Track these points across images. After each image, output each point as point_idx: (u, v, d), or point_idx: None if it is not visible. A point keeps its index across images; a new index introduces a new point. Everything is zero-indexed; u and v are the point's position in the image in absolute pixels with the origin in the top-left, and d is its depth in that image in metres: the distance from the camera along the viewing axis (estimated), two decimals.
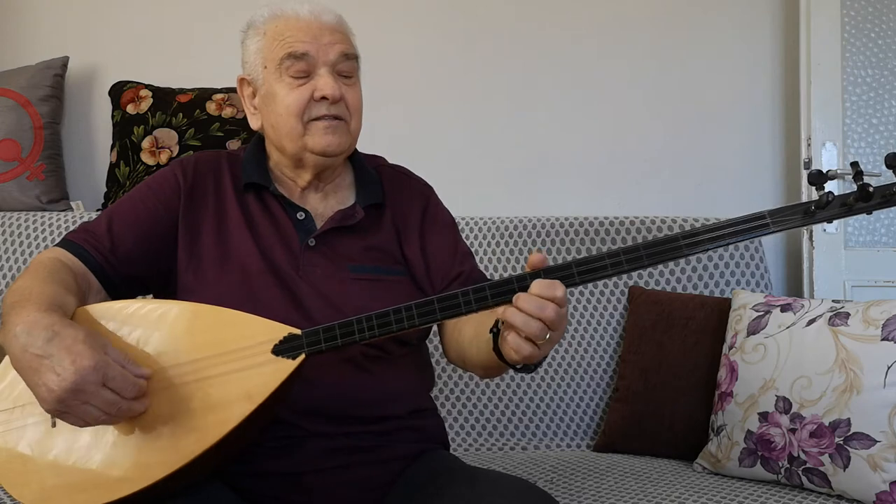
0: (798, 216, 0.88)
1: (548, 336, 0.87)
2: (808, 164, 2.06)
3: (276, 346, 0.96)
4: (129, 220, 1.14)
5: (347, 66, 1.16)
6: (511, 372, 1.02)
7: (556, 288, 0.87)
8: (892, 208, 2.25)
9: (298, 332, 0.97)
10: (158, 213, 1.15)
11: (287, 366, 0.95)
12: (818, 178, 0.88)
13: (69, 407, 0.88)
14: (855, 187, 0.88)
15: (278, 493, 1.07)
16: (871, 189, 0.86)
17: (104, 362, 0.89)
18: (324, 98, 1.12)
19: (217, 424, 0.93)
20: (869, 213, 0.88)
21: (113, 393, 0.89)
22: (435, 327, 1.25)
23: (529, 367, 0.97)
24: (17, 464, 0.96)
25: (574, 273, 0.91)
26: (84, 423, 0.91)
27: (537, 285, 0.87)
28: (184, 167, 1.20)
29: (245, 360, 0.95)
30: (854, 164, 0.88)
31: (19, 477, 0.96)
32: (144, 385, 0.93)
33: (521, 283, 0.91)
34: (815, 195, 0.89)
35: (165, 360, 0.96)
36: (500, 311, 0.89)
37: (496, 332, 0.96)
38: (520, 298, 0.87)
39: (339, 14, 1.18)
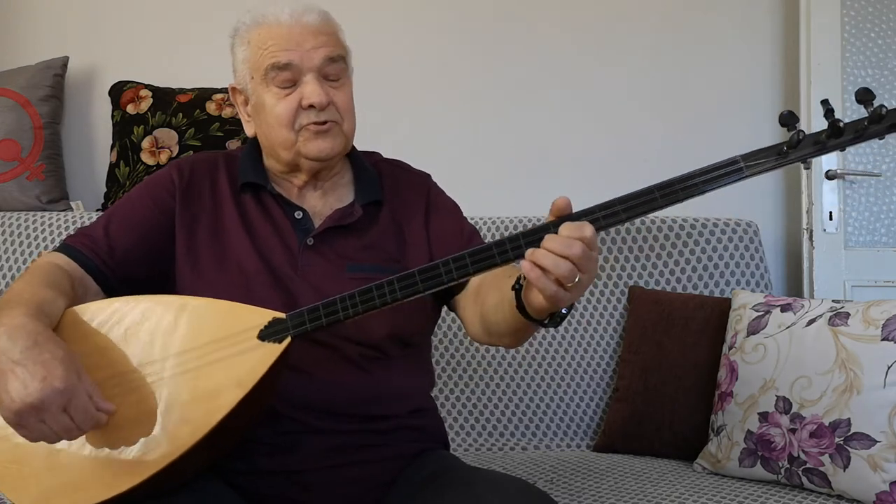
0: (772, 158, 0.87)
1: (577, 279, 0.83)
2: (807, 164, 2.06)
3: (261, 331, 0.96)
4: (126, 222, 1.15)
5: (334, 69, 1.14)
6: (541, 330, 0.95)
7: (585, 228, 0.83)
8: (893, 208, 2.24)
9: (283, 315, 0.97)
10: (155, 215, 1.15)
11: (274, 350, 0.95)
12: (789, 119, 0.86)
13: (25, 422, 0.89)
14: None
15: (278, 492, 1.07)
16: (842, 125, 0.84)
17: (73, 388, 0.89)
18: (311, 106, 1.11)
19: (210, 413, 0.93)
20: (842, 149, 0.87)
21: (70, 420, 0.89)
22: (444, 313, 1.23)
23: (556, 318, 0.92)
24: (14, 467, 0.96)
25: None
26: (33, 439, 0.90)
27: (565, 228, 0.84)
28: (180, 168, 1.20)
29: (232, 348, 0.96)
30: (824, 102, 0.86)
31: (17, 480, 0.96)
32: (104, 420, 0.93)
33: (499, 248, 0.89)
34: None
35: (153, 354, 0.97)
36: (527, 253, 0.84)
37: (518, 287, 0.92)
38: (547, 239, 0.83)
39: (322, 11, 1.16)
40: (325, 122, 1.13)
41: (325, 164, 1.17)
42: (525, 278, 0.88)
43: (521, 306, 0.92)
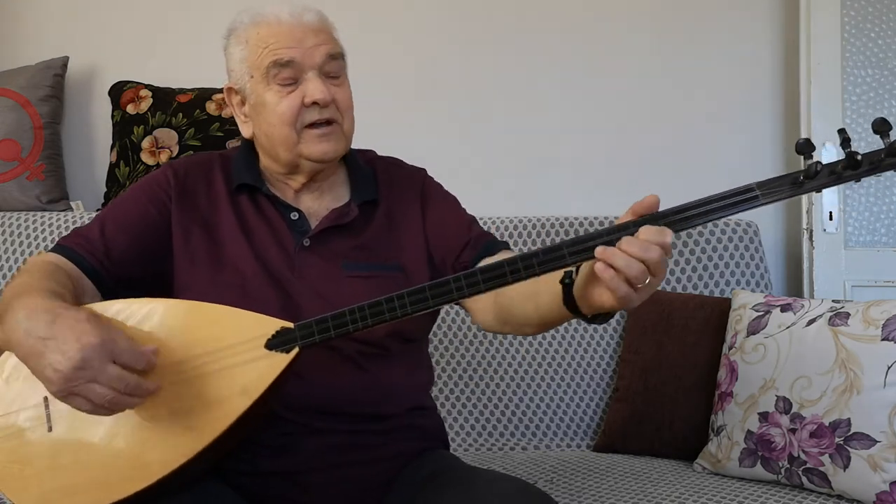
0: (787, 187, 0.87)
1: (647, 280, 0.84)
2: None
3: (269, 340, 0.96)
4: (121, 223, 1.14)
5: (334, 67, 1.14)
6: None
7: (665, 234, 0.84)
8: (893, 208, 2.24)
9: (291, 325, 0.96)
10: (150, 216, 1.15)
11: (281, 360, 0.95)
12: (806, 148, 0.86)
13: (76, 387, 0.87)
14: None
15: (278, 492, 1.07)
16: (858, 157, 0.84)
17: (110, 338, 0.89)
18: (314, 103, 1.11)
19: (214, 421, 0.93)
20: (857, 180, 0.87)
21: (121, 369, 0.89)
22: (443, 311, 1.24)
23: (605, 315, 0.92)
24: (16, 468, 0.96)
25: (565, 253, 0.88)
26: (93, 405, 0.89)
27: (644, 231, 0.84)
28: (175, 169, 1.19)
29: (239, 356, 0.95)
30: (841, 132, 0.86)
31: (18, 482, 0.96)
32: (154, 359, 0.92)
33: (511, 266, 0.88)
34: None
35: (160, 359, 0.96)
36: (599, 252, 0.84)
37: (570, 282, 0.92)
38: (624, 241, 0.84)
39: (319, 11, 1.17)
40: (328, 122, 1.13)
41: (325, 167, 1.17)
42: (577, 273, 0.89)
43: (567, 300, 0.92)
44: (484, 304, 1.12)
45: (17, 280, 1.01)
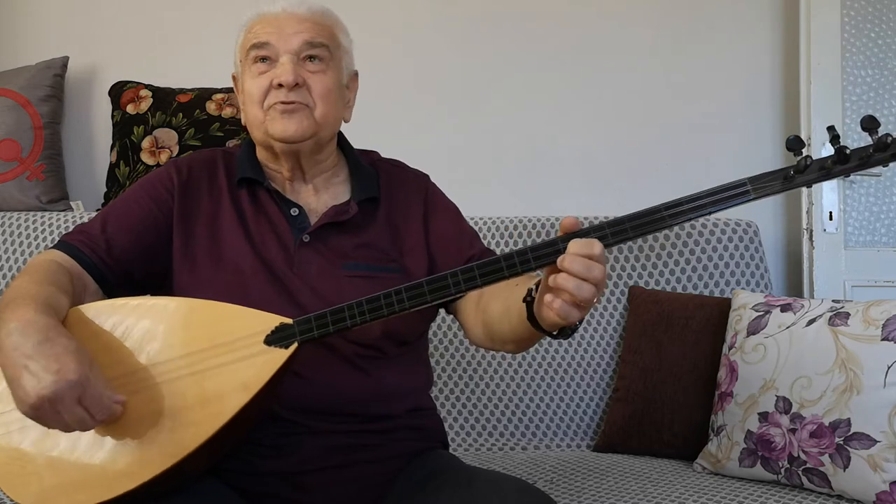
0: (778, 181, 0.89)
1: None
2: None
3: (268, 336, 0.96)
4: (123, 220, 1.15)
5: (314, 54, 1.16)
6: (546, 339, 0.98)
7: (594, 246, 0.84)
8: (893, 208, 2.24)
9: (290, 321, 0.97)
10: (152, 213, 1.15)
11: (280, 355, 0.96)
12: (796, 144, 0.88)
13: (42, 413, 0.89)
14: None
15: (278, 492, 1.07)
16: (848, 152, 0.86)
17: (86, 380, 0.89)
18: (280, 85, 1.13)
19: (213, 416, 0.93)
20: (847, 175, 0.89)
21: (85, 412, 0.90)
22: (443, 313, 1.25)
23: (567, 331, 0.93)
24: (16, 465, 0.96)
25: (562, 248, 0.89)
26: (49, 427, 0.91)
27: (574, 244, 0.84)
28: (178, 166, 1.20)
29: (238, 352, 0.96)
30: (830, 129, 0.88)
31: (18, 478, 0.96)
32: (118, 410, 0.93)
33: (507, 261, 0.90)
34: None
35: (159, 356, 0.97)
36: (548, 278, 0.86)
37: (531, 300, 0.93)
38: (566, 260, 0.83)
39: (319, 7, 1.19)
40: (292, 103, 1.14)
41: (295, 149, 1.16)
42: (537, 290, 0.90)
43: (531, 317, 0.94)
44: (473, 320, 1.15)
45: (18, 281, 1.01)
